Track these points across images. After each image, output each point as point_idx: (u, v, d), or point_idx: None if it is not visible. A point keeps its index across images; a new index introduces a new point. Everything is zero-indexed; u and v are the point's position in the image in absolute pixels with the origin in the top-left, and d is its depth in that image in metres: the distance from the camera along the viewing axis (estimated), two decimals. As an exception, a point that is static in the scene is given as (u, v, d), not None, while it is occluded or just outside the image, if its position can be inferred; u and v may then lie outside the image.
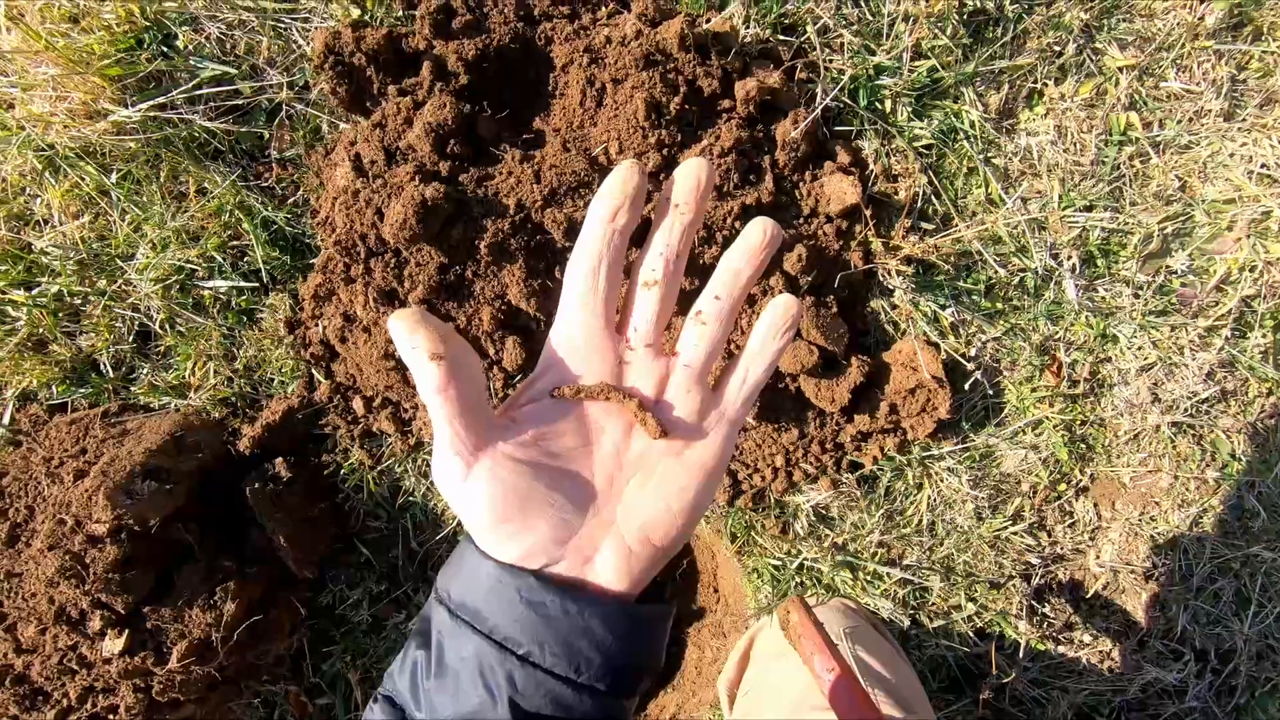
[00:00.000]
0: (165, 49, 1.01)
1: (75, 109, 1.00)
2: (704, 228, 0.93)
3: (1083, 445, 1.10)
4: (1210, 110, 1.01)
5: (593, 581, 0.42)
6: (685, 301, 0.95)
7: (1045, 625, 1.15)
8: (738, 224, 0.93)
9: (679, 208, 0.42)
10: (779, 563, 1.12)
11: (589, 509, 0.42)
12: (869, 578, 1.13)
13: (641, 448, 0.44)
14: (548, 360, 0.44)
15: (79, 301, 1.09)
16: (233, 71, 1.01)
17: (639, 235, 0.45)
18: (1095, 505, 1.14)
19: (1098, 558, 1.14)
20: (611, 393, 0.42)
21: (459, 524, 1.14)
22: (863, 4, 0.99)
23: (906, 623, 1.13)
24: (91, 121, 1.01)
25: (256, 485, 1.01)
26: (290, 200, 1.06)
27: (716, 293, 0.44)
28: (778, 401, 1.04)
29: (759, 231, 0.43)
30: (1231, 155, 1.02)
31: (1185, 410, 1.07)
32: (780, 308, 0.44)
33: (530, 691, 0.39)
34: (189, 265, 1.06)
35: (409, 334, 0.39)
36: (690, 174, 0.42)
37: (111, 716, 0.95)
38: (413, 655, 0.41)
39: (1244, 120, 1.02)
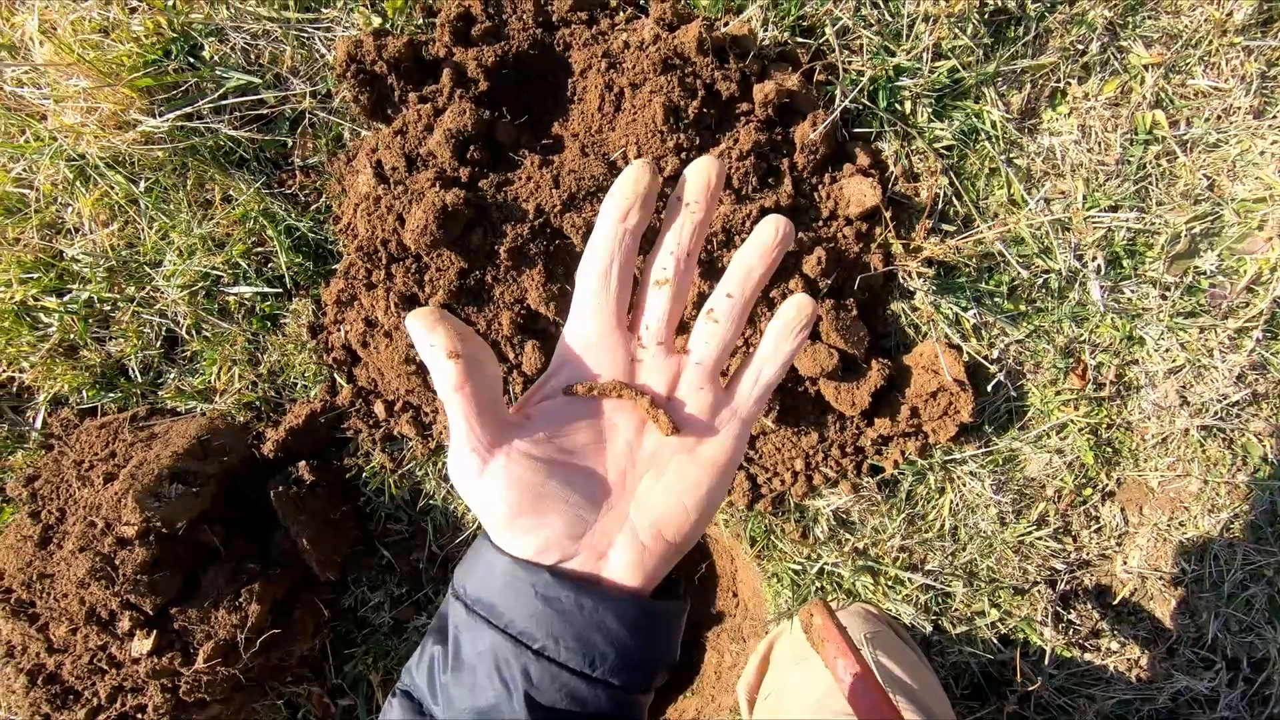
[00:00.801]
0: (192, 60, 1.03)
1: (105, 119, 1.02)
2: (723, 231, 0.93)
3: (1109, 449, 1.09)
4: (1239, 108, 0.99)
5: (607, 577, 0.42)
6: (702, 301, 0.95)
7: (1071, 632, 1.13)
8: (756, 227, 0.92)
9: (690, 206, 0.43)
10: (799, 567, 1.12)
11: (602, 505, 0.43)
12: (890, 583, 1.12)
13: (654, 444, 0.44)
14: (561, 358, 0.44)
15: (108, 308, 1.11)
16: (257, 81, 1.03)
17: (653, 235, 0.45)
18: (1122, 510, 1.12)
19: (1125, 563, 1.12)
20: (624, 390, 0.43)
21: (479, 526, 1.15)
22: (882, 5, 0.98)
23: (929, 628, 1.12)
24: (121, 132, 1.03)
25: (280, 488, 1.03)
26: (313, 207, 1.08)
27: (729, 290, 0.44)
28: (797, 405, 1.03)
29: (771, 229, 0.44)
30: (1262, 153, 1.00)
31: (1215, 413, 1.05)
32: (794, 307, 0.44)
33: (545, 685, 0.40)
34: (215, 272, 1.08)
35: (427, 332, 0.39)
36: (701, 172, 0.43)
37: (140, 716, 0.97)
38: (430, 650, 0.42)
39: (1275, 118, 1.00)
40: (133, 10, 1.04)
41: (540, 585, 0.40)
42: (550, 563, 0.41)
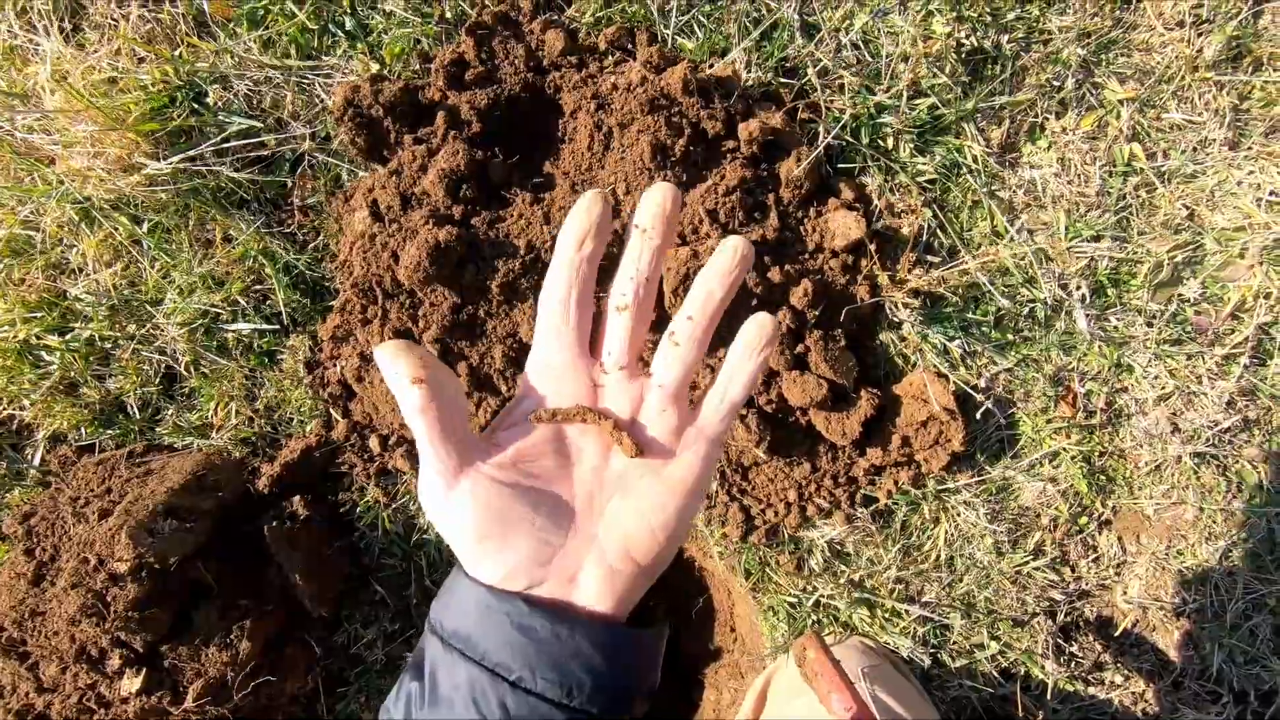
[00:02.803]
0: (196, 106, 1.07)
1: (111, 163, 1.06)
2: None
3: (1103, 477, 1.08)
4: (1214, 140, 1.02)
5: (579, 604, 0.42)
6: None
7: (1073, 665, 1.11)
8: (743, 260, 0.94)
9: (646, 233, 0.44)
10: (795, 600, 1.11)
11: (569, 528, 0.43)
12: (887, 615, 1.10)
13: (621, 467, 0.45)
14: (526, 386, 0.45)
15: (109, 346, 1.13)
16: (259, 125, 1.06)
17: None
18: (1119, 539, 1.11)
19: (1125, 593, 1.11)
20: (587, 414, 0.44)
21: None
22: (861, 46, 1.01)
23: (927, 662, 1.10)
24: (126, 175, 1.06)
25: (274, 523, 1.03)
26: (311, 245, 1.10)
27: (689, 313, 0.45)
28: (789, 435, 1.04)
29: (730, 251, 0.44)
30: (1239, 183, 1.02)
31: (1207, 440, 1.05)
32: (754, 326, 0.45)
33: (523, 716, 0.40)
34: (214, 309, 1.10)
35: (392, 360, 0.41)
36: (655, 199, 0.44)
37: (127, 757, 0.95)
38: (407, 687, 0.42)
39: (1250, 149, 1.02)
40: (141, 60, 1.08)
41: (515, 615, 0.40)
42: (520, 588, 0.42)
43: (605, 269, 0.46)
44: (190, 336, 1.11)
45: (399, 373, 0.40)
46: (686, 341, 0.45)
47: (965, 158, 1.03)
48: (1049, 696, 1.10)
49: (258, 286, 1.11)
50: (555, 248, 0.44)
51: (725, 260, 0.44)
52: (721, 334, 0.46)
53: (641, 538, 0.43)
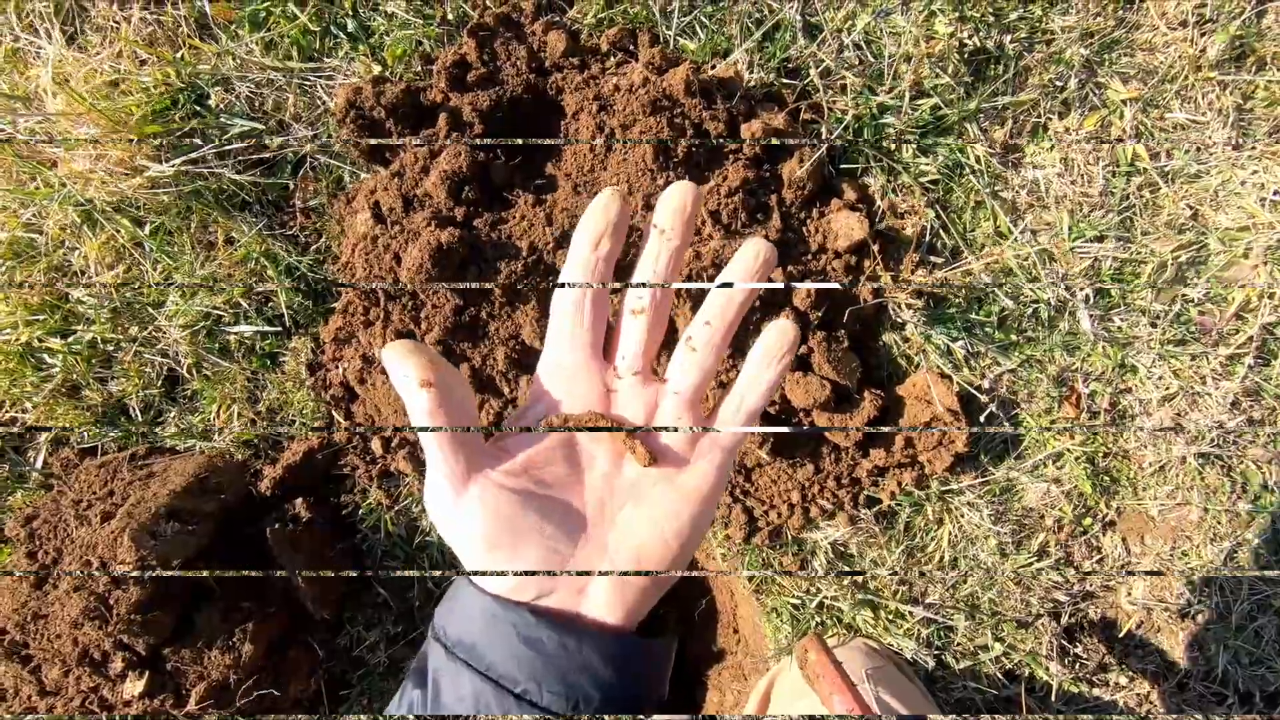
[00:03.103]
0: (198, 108, 1.07)
1: (113, 166, 1.06)
2: (713, 265, 0.95)
3: (1107, 478, 1.08)
4: (1218, 139, 1.02)
5: (587, 615, 0.41)
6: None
7: (1078, 666, 1.11)
8: (746, 261, 0.94)
9: (665, 233, 0.42)
10: (798, 601, 1.10)
11: (579, 538, 0.42)
12: (891, 616, 1.10)
13: (634, 475, 0.44)
14: (537, 390, 0.44)
15: (111, 348, 1.13)
16: (261, 127, 1.06)
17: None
18: (1124, 540, 1.11)
19: (1129, 595, 1.10)
20: (599, 421, 0.42)
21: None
22: (864, 46, 1.01)
23: (931, 664, 1.10)
24: (128, 177, 1.06)
25: (276, 526, 1.03)
26: (313, 247, 1.10)
27: (707, 318, 0.43)
28: (792, 436, 1.04)
29: (752, 254, 0.43)
30: (1243, 183, 1.02)
31: (1211, 441, 1.04)
32: (776, 333, 0.43)
33: None
34: (216, 311, 1.10)
35: (400, 362, 0.39)
36: (675, 197, 0.42)
37: (130, 760, 0.95)
38: (409, 695, 0.41)
39: (1253, 149, 1.02)
40: (143, 62, 1.08)
41: (522, 626, 0.39)
42: (528, 599, 0.41)
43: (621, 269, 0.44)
44: (192, 338, 1.10)
45: (407, 375, 0.39)
46: (704, 347, 0.43)
47: (968, 158, 1.03)
48: (1053, 698, 1.10)
49: (260, 288, 1.11)
50: (570, 247, 0.43)
51: (747, 263, 0.43)
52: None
53: (655, 547, 0.42)
